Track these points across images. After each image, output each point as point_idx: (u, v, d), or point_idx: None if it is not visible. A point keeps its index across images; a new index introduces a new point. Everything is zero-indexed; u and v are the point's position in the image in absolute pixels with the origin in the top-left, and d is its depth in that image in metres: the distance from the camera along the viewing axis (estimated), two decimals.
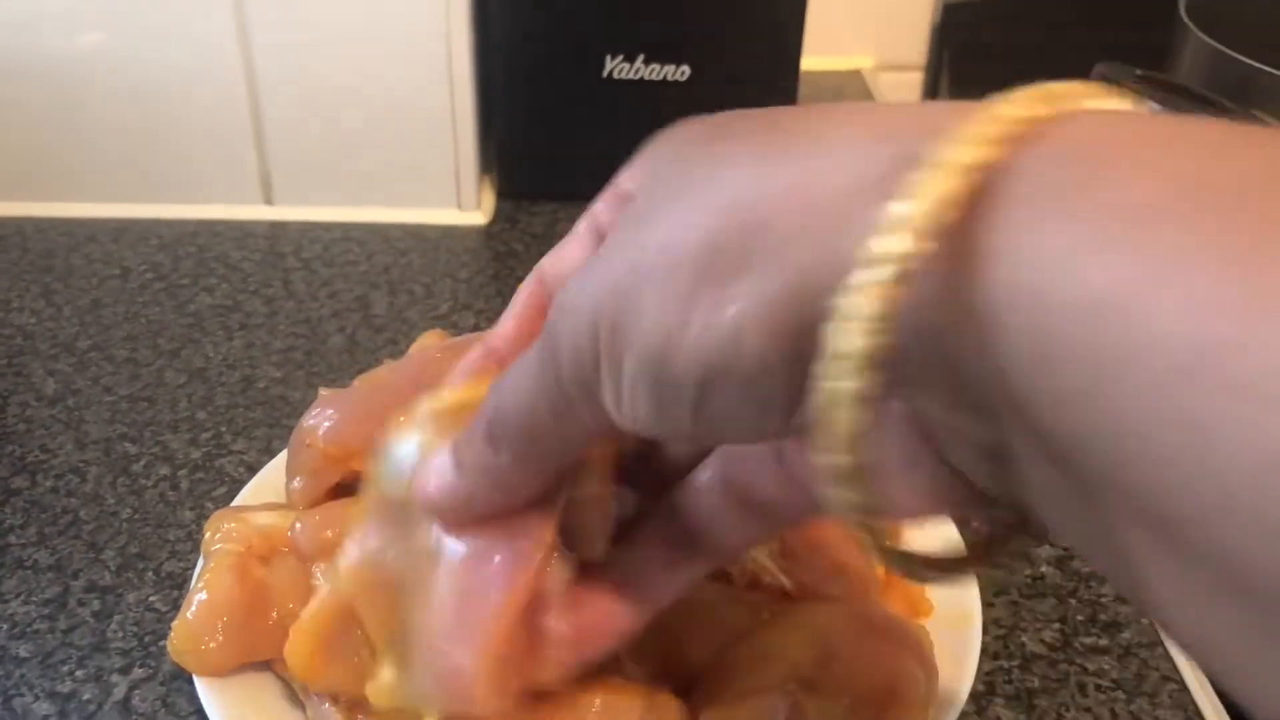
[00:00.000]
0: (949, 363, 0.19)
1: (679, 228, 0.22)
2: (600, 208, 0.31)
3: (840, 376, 0.19)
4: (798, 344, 0.20)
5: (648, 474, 0.33)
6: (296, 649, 0.35)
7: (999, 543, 0.25)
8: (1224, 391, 0.15)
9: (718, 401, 0.22)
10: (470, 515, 0.30)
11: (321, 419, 0.40)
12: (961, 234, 0.18)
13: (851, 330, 0.19)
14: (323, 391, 0.43)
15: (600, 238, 0.30)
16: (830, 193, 0.20)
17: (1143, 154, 0.18)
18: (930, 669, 0.36)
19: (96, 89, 0.69)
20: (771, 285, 0.20)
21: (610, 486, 0.32)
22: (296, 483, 0.41)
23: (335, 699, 0.37)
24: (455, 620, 0.31)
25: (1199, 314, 0.15)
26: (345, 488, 0.41)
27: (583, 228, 0.31)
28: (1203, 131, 0.18)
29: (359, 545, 0.35)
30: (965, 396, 0.20)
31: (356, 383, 0.43)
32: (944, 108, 0.21)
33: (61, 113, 0.69)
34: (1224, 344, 0.15)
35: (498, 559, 0.31)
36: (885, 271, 0.18)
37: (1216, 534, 0.15)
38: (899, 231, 0.18)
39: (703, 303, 0.21)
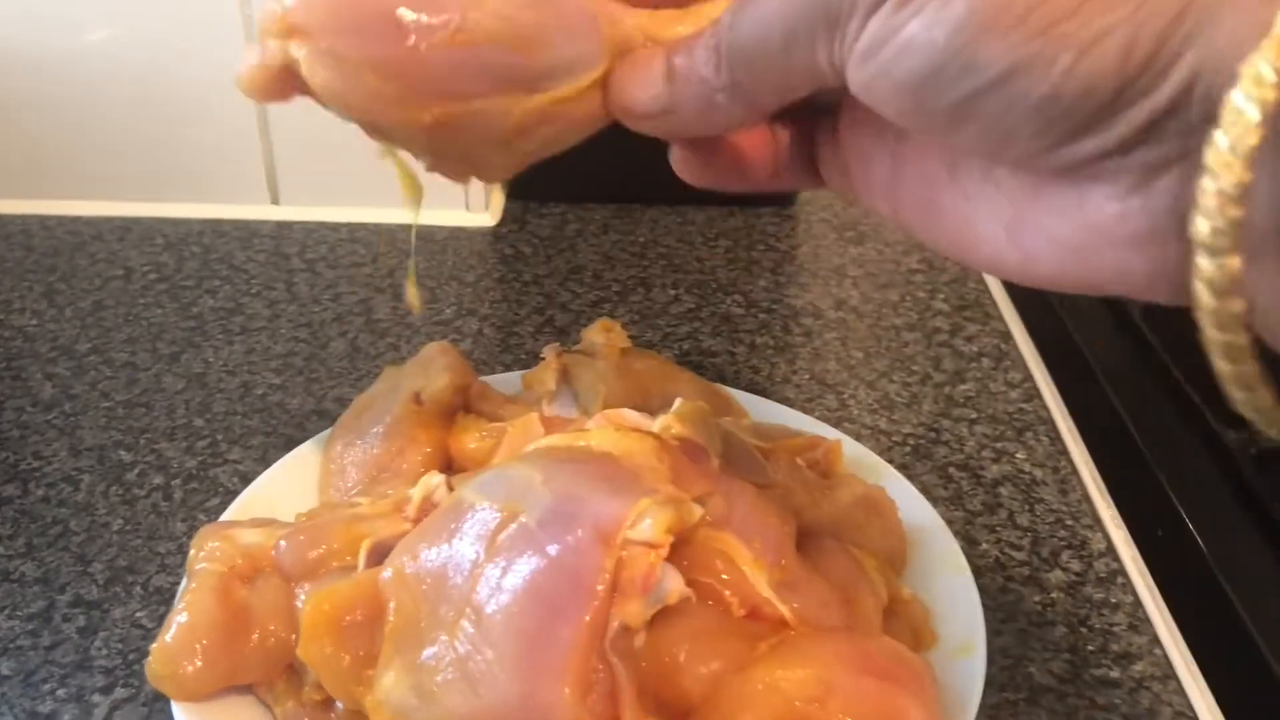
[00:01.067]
0: None
1: None
2: None
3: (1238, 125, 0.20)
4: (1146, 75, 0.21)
5: None
6: (312, 616, 0.35)
7: None
8: None
9: (1014, 105, 0.22)
10: (665, 127, 0.31)
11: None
12: None
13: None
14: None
15: None
16: None
17: None
18: (931, 707, 0.35)
19: (103, 87, 0.68)
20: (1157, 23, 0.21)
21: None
22: (335, 462, 0.45)
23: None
24: (529, 651, 0.32)
25: None
26: (291, 78, 0.32)
27: None
28: None
29: (414, 548, 0.36)
30: None
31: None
32: None
33: (68, 111, 0.69)
34: None
35: (562, 594, 0.33)
36: None
37: None
38: None
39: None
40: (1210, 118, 0.21)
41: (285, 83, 0.32)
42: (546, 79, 0.31)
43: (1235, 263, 0.21)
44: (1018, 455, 0.53)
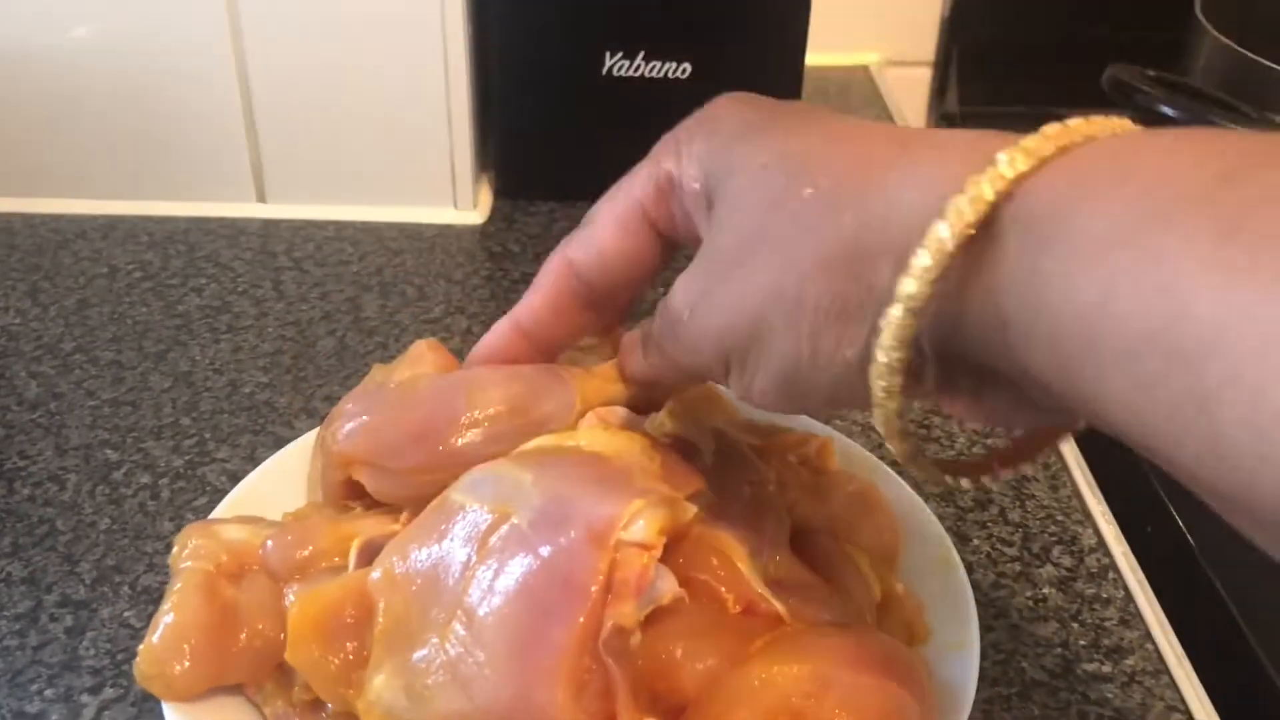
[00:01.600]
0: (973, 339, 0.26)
1: (796, 277, 0.28)
2: (642, 193, 0.36)
3: (888, 347, 0.26)
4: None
5: None
6: (299, 619, 0.35)
7: (1022, 451, 0.33)
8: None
9: (842, 397, 0.29)
10: (667, 381, 0.39)
11: (345, 421, 0.41)
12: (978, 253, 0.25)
13: (895, 318, 0.26)
14: (363, 385, 0.46)
15: (650, 227, 0.36)
16: (904, 229, 0.26)
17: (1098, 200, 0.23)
18: (927, 701, 0.35)
19: (88, 83, 0.68)
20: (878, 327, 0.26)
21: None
22: (318, 474, 0.43)
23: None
24: (522, 653, 0.32)
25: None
26: (360, 488, 0.41)
27: (619, 212, 0.36)
28: (1160, 161, 0.23)
29: (404, 549, 0.36)
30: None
31: (393, 384, 0.44)
32: (962, 141, 0.28)
33: (53, 107, 0.68)
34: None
35: (555, 596, 0.33)
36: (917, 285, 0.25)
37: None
38: (932, 252, 0.25)
39: (826, 341, 0.28)
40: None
41: (348, 492, 0.41)
42: (541, 427, 0.40)
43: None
44: None
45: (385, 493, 0.40)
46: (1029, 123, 0.82)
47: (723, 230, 0.31)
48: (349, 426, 0.40)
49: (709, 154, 0.33)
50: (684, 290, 0.33)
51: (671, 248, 0.37)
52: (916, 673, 0.36)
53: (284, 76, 0.67)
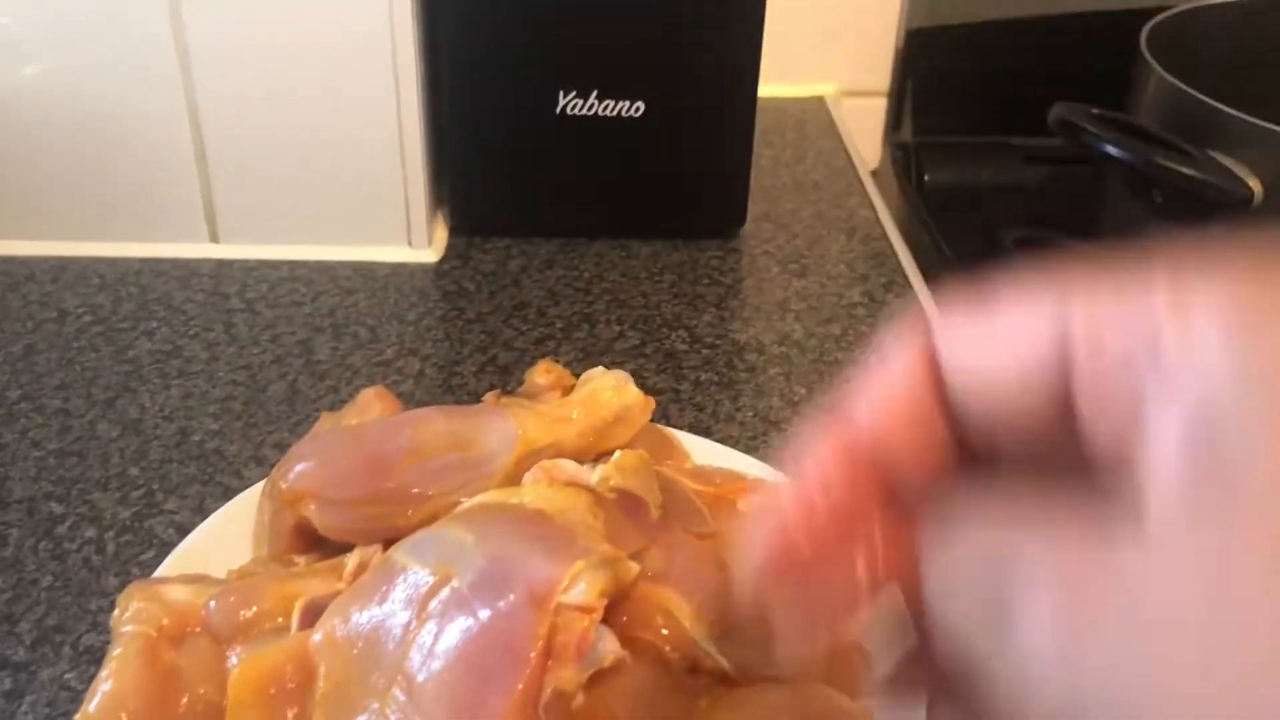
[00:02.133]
0: None
1: None
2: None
3: None
4: None
5: None
6: (239, 685, 0.36)
7: None
8: None
9: None
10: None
11: (294, 462, 0.43)
12: None
13: None
14: (312, 433, 0.48)
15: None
16: None
17: None
18: None
19: (38, 123, 0.67)
20: None
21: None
22: (267, 517, 0.44)
23: None
24: (461, 716, 0.33)
25: None
26: (306, 533, 0.42)
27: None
28: None
29: (345, 611, 0.36)
30: None
31: (352, 411, 0.48)
32: None
33: (4, 149, 0.67)
34: None
35: (494, 660, 0.33)
36: None
37: None
38: None
39: None
40: None
41: (297, 539, 0.42)
42: (482, 464, 0.42)
43: None
44: None
45: (333, 527, 0.41)
46: (981, 152, 0.83)
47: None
48: (298, 467, 0.41)
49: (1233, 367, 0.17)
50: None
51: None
52: None
53: (235, 116, 0.67)
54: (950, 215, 0.83)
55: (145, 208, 0.70)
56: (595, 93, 0.68)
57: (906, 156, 0.91)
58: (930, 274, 0.72)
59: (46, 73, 0.66)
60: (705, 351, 0.63)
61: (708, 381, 0.60)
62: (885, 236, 0.75)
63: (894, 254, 0.73)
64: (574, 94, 0.68)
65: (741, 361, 0.62)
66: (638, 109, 0.69)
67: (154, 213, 0.70)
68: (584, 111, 0.69)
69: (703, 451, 0.50)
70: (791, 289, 0.69)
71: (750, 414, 0.58)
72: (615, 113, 0.69)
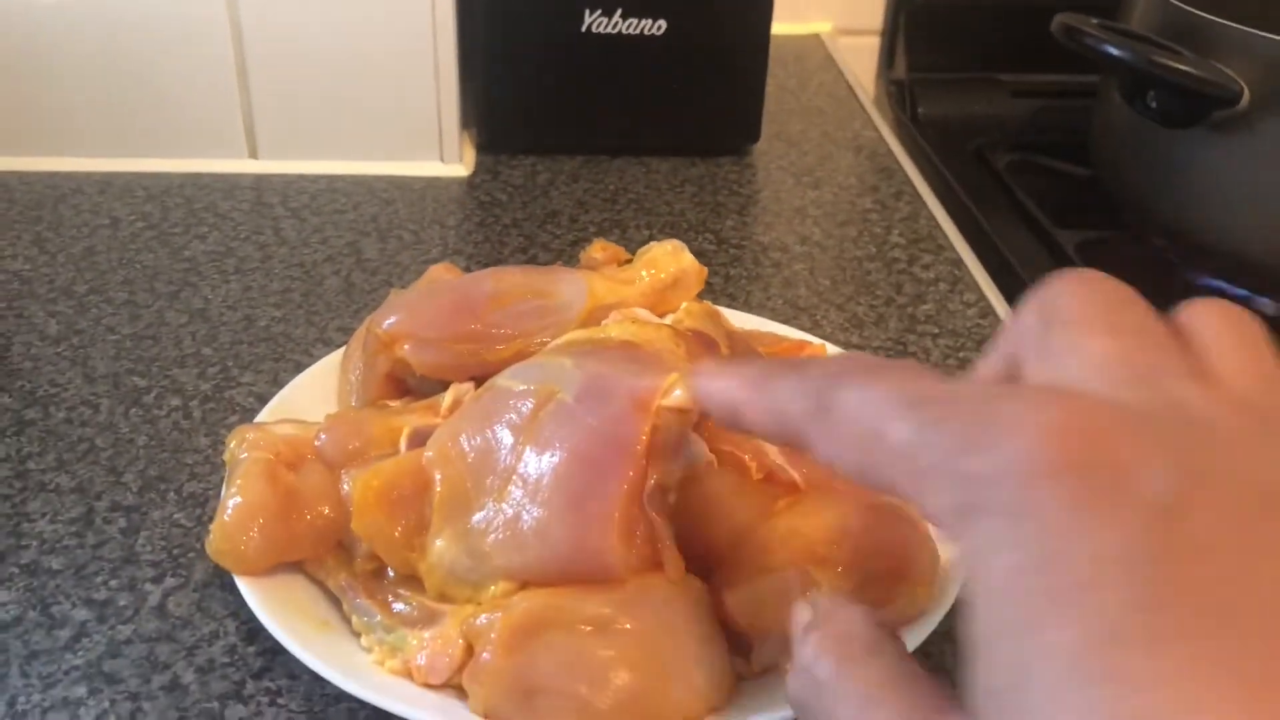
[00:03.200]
0: None
1: None
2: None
3: None
4: None
5: None
6: (363, 492, 0.38)
7: None
8: None
9: None
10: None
11: (388, 312, 0.46)
12: None
13: None
14: (394, 292, 0.51)
15: None
16: None
17: None
18: (933, 549, 0.39)
19: (80, 42, 0.69)
20: None
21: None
22: (355, 374, 0.47)
23: (370, 591, 0.40)
24: (577, 505, 0.36)
25: None
26: (397, 382, 0.45)
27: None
28: None
29: (455, 429, 0.39)
30: None
31: (423, 283, 0.50)
32: None
33: (44, 66, 0.70)
34: None
35: (605, 455, 0.36)
36: None
37: None
38: None
39: None
40: None
41: (389, 386, 0.46)
42: (559, 310, 0.46)
43: None
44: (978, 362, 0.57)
45: (427, 363, 0.44)
46: (972, 86, 0.88)
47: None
48: (392, 314, 0.45)
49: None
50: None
51: None
52: (923, 526, 0.40)
53: (276, 35, 0.70)
54: (945, 145, 0.87)
55: (187, 125, 0.72)
56: (620, 10, 0.72)
57: (901, 92, 0.95)
58: (934, 189, 0.76)
59: None
60: (732, 250, 0.67)
61: (737, 276, 0.64)
62: (891, 154, 0.79)
63: (900, 169, 0.77)
64: (599, 11, 0.72)
65: (767, 259, 0.66)
66: (660, 27, 0.72)
67: (195, 130, 0.72)
68: (608, 29, 0.72)
69: (745, 323, 0.54)
70: (807, 198, 0.73)
71: (780, 301, 0.62)
72: (639, 30, 0.72)
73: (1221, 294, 0.70)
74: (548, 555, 0.36)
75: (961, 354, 0.58)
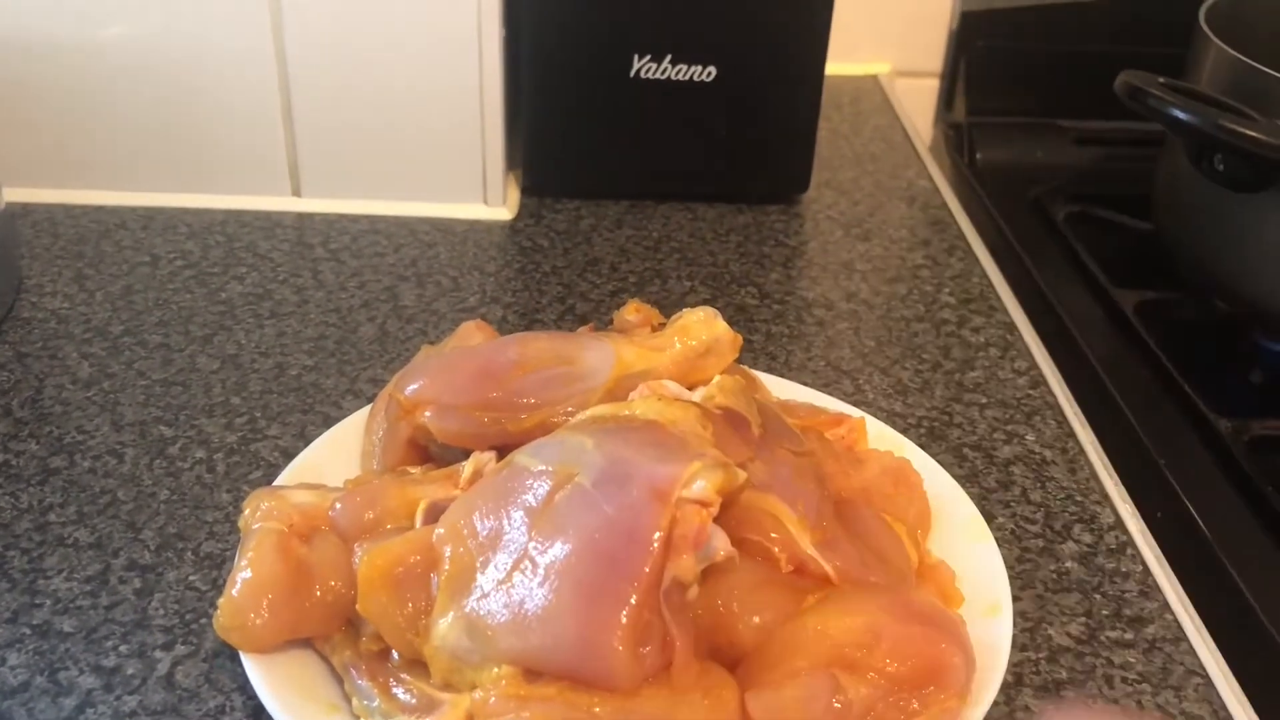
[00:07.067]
0: None
1: None
2: None
3: None
4: None
5: None
6: (368, 571, 0.37)
7: None
8: None
9: None
10: None
11: (412, 377, 0.45)
12: None
13: None
14: (424, 348, 0.51)
15: None
16: None
17: None
18: (969, 657, 0.37)
19: (127, 78, 0.69)
20: None
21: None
22: (378, 436, 0.46)
23: (373, 673, 0.38)
24: (587, 599, 0.35)
25: None
26: (419, 448, 0.44)
27: None
28: None
29: (469, 506, 0.38)
30: None
31: (454, 340, 0.50)
32: None
33: (91, 102, 0.70)
34: None
35: (619, 547, 0.35)
36: None
37: None
38: None
39: None
40: None
41: (410, 451, 0.45)
42: (584, 379, 0.45)
43: None
44: (1027, 437, 0.55)
45: (449, 431, 0.43)
46: (1033, 132, 0.86)
47: None
48: (415, 379, 0.44)
49: None
50: None
51: None
52: (959, 629, 0.38)
53: (322, 75, 0.69)
54: (1002, 193, 0.85)
55: (231, 162, 0.72)
56: (669, 57, 0.70)
57: (959, 136, 0.93)
58: (988, 242, 0.74)
59: (136, 29, 0.68)
60: (775, 306, 0.65)
61: (779, 334, 0.63)
62: (945, 205, 0.77)
63: (954, 221, 0.75)
64: (648, 57, 0.70)
65: (810, 316, 0.64)
66: (709, 74, 0.71)
67: (239, 166, 0.72)
68: (657, 75, 0.71)
69: (782, 391, 0.53)
70: (855, 251, 0.71)
71: (822, 363, 0.60)
72: (688, 77, 0.71)
73: None
74: (551, 645, 0.35)
75: (1009, 427, 0.56)
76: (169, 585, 0.45)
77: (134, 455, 0.51)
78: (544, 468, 0.38)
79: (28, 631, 0.42)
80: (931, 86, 0.98)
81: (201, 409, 0.55)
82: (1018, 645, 0.44)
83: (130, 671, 0.41)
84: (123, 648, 0.42)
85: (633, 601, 0.35)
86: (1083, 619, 0.45)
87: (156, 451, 0.52)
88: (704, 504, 0.36)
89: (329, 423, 0.52)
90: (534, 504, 0.37)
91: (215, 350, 0.59)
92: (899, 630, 0.36)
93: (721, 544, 0.37)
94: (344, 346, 0.60)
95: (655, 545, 0.35)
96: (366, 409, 0.49)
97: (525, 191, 0.76)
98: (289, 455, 0.49)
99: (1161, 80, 0.62)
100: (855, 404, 0.55)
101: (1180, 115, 0.59)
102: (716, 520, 0.37)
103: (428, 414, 0.44)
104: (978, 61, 0.94)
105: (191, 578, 0.45)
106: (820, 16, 0.70)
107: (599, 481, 0.37)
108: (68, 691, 0.40)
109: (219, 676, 0.41)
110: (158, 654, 0.42)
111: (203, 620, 0.43)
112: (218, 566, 0.46)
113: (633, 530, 0.35)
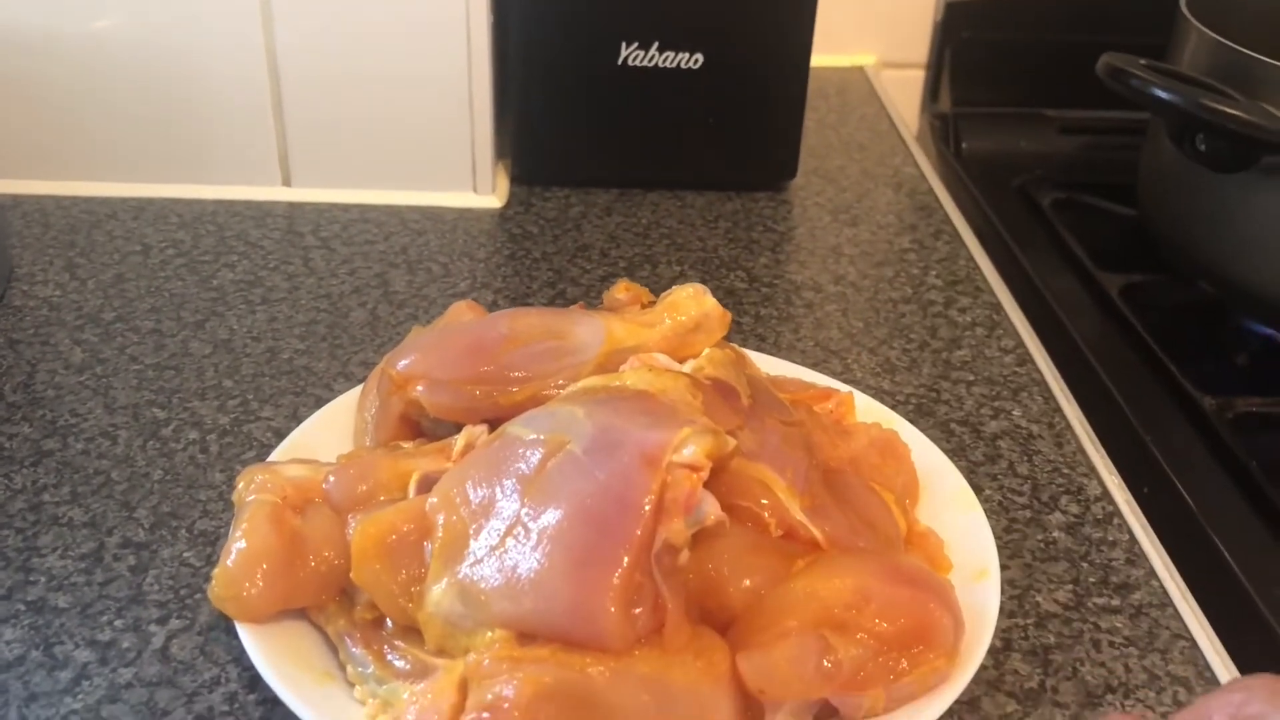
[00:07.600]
0: None
1: None
2: None
3: None
4: None
5: None
6: (361, 540, 0.38)
7: None
8: None
9: None
10: None
11: (404, 352, 0.46)
12: None
13: None
14: (415, 329, 0.51)
15: None
16: None
17: None
18: (958, 618, 0.37)
19: (117, 69, 0.70)
20: None
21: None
22: (370, 413, 0.46)
23: (368, 641, 0.39)
24: (579, 563, 0.35)
25: None
26: (411, 423, 0.45)
27: None
28: None
29: (461, 475, 0.38)
30: None
31: (444, 321, 0.50)
32: None
33: (82, 92, 0.70)
34: None
35: (611, 512, 0.35)
36: None
37: None
38: None
39: None
40: None
41: (402, 427, 0.46)
42: (575, 353, 0.45)
43: None
44: (1014, 413, 0.56)
45: (441, 405, 0.43)
46: (1017, 121, 0.87)
47: None
48: (407, 355, 0.45)
49: None
50: None
51: None
52: (948, 589, 0.38)
53: (312, 64, 0.69)
54: (988, 181, 0.85)
55: (221, 153, 0.72)
56: (656, 44, 0.71)
57: (945, 126, 0.94)
58: (975, 228, 0.75)
59: (127, 20, 0.69)
60: (764, 289, 0.66)
61: (768, 316, 0.63)
62: (931, 192, 0.77)
63: (940, 207, 0.76)
64: (635, 45, 0.71)
65: (799, 299, 0.65)
66: (697, 61, 0.71)
67: (229, 157, 0.72)
68: (645, 63, 0.71)
69: (772, 368, 0.53)
70: (843, 236, 0.72)
71: (811, 343, 0.61)
72: (675, 64, 0.71)
73: (1268, 340, 0.68)
74: (544, 608, 0.35)
75: (996, 403, 0.56)
76: (163, 562, 0.45)
77: (127, 437, 0.52)
78: (536, 437, 0.38)
79: (23, 607, 0.43)
80: (917, 77, 0.99)
81: (194, 392, 0.55)
82: (1006, 612, 0.44)
83: (125, 645, 0.41)
84: (118, 622, 0.42)
85: (624, 564, 0.35)
86: (1070, 586, 0.46)
87: (150, 433, 0.52)
88: (694, 468, 0.36)
89: (321, 404, 0.52)
90: (526, 471, 0.38)
91: (207, 335, 0.59)
92: (888, 591, 0.37)
93: (712, 508, 0.37)
94: (335, 331, 0.60)
95: (646, 509, 0.35)
96: (356, 390, 0.50)
97: (514, 180, 0.76)
98: (281, 436, 0.50)
99: (1143, 62, 0.62)
100: (844, 382, 0.56)
101: (1162, 95, 0.60)
102: (706, 487, 0.37)
103: (420, 388, 0.44)
104: (962, 52, 0.95)
105: (186, 554, 0.45)
106: (806, 4, 0.71)
107: (590, 449, 0.37)
108: (63, 665, 0.40)
109: (214, 649, 0.41)
110: (153, 628, 0.42)
111: (197, 595, 0.43)
112: (212, 543, 0.46)
113: (624, 495, 0.36)
